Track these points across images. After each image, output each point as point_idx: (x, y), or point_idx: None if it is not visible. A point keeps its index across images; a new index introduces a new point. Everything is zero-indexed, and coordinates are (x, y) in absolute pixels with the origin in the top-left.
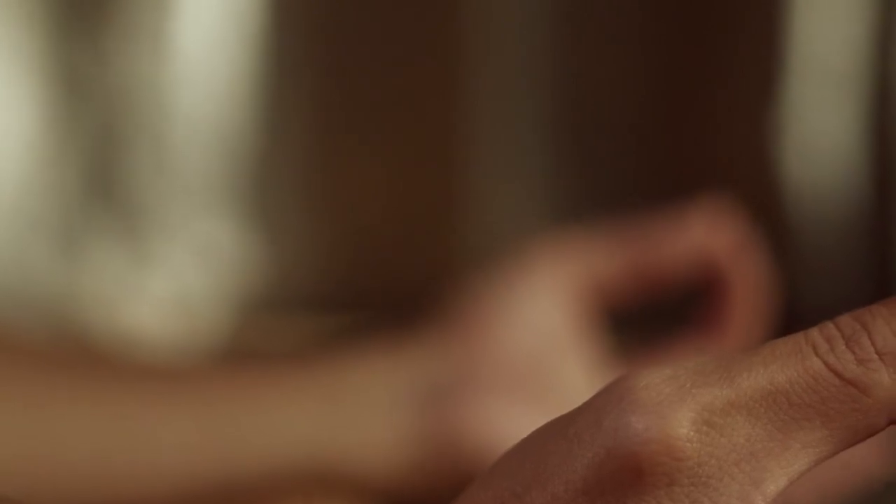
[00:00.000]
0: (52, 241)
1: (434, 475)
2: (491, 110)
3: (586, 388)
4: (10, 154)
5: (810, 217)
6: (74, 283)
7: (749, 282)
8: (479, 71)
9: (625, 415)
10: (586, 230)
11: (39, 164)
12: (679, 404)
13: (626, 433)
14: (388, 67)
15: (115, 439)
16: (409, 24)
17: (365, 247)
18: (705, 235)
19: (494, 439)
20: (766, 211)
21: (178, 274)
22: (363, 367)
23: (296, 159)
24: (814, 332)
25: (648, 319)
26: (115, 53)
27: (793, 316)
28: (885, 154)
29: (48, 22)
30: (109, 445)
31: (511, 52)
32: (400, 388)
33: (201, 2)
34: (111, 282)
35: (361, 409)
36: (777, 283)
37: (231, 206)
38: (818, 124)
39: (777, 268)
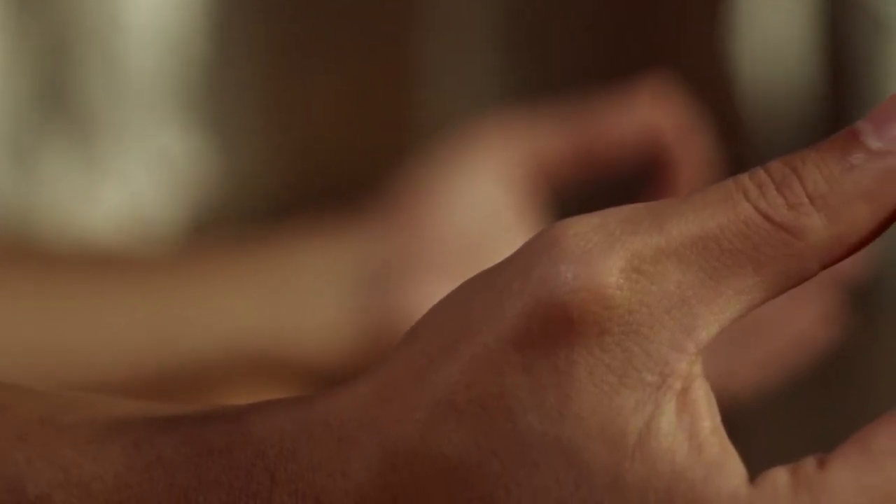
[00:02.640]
0: (4, 152)
1: (375, 356)
2: (443, 9)
3: None
4: None
5: (763, 113)
6: (27, 194)
7: (695, 159)
8: None
9: (553, 264)
10: (530, 111)
11: None
12: (608, 252)
13: (556, 282)
14: None
15: (57, 326)
16: None
17: (319, 154)
18: (651, 112)
19: None
20: (720, 105)
21: (131, 183)
22: (305, 251)
23: (249, 68)
24: (744, 178)
25: (594, 201)
26: None
27: None
28: (838, 50)
29: None
30: (51, 331)
31: None
32: (342, 271)
33: None
34: (64, 192)
35: (304, 292)
36: (722, 162)
37: (184, 115)
38: (772, 23)
39: (728, 163)
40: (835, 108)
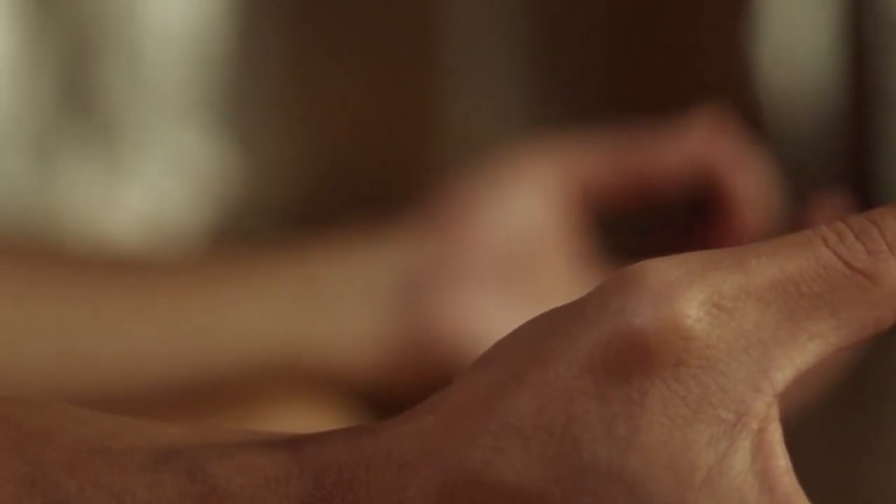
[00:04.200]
0: (27, 154)
1: (410, 367)
2: (466, 16)
3: (567, 286)
4: None
5: (787, 121)
6: (49, 195)
7: (748, 194)
8: None
9: (633, 295)
10: (580, 135)
11: (13, 78)
12: (689, 285)
13: (636, 311)
14: None
15: (83, 332)
16: None
17: (340, 156)
18: (704, 145)
19: (471, 332)
20: (743, 116)
21: (153, 185)
22: (339, 260)
23: (271, 69)
24: (823, 227)
25: (644, 229)
26: None
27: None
28: (859, 54)
29: None
30: (77, 338)
31: None
32: (377, 279)
33: None
34: (86, 192)
35: (337, 299)
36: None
37: (206, 118)
38: (794, 28)
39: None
40: (856, 112)
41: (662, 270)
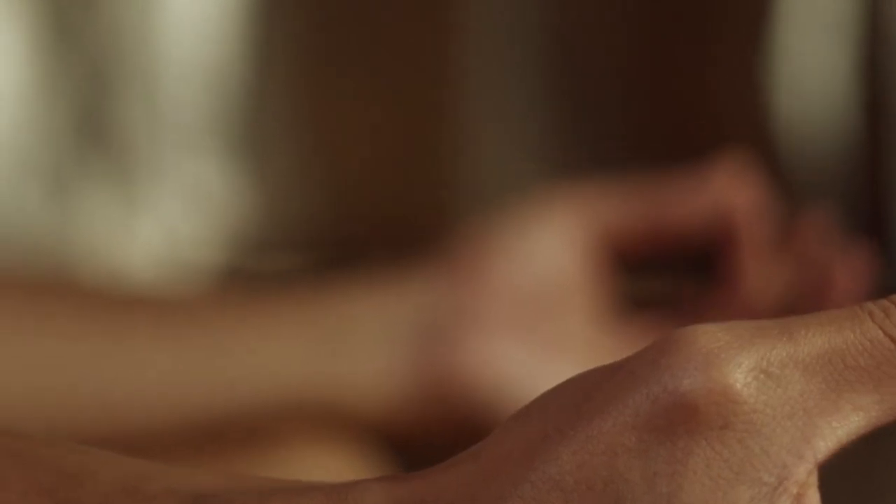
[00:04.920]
0: (43, 185)
1: (429, 410)
2: (482, 50)
3: (588, 331)
4: (0, 101)
5: (802, 151)
6: (66, 228)
7: (761, 240)
8: (467, 7)
9: (682, 356)
10: (602, 181)
11: (30, 108)
12: (738, 350)
13: (684, 372)
14: (378, 8)
15: (102, 369)
16: None
17: (354, 187)
18: (724, 193)
19: (491, 376)
20: (759, 145)
21: (169, 216)
22: (362, 300)
23: (285, 100)
24: (869, 303)
25: (658, 274)
26: None
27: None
28: (876, 93)
29: None
30: (96, 375)
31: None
32: (397, 322)
33: None
34: (102, 225)
35: (357, 341)
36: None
37: (221, 148)
38: (809, 64)
39: (769, 194)
40: (872, 147)
41: (712, 334)
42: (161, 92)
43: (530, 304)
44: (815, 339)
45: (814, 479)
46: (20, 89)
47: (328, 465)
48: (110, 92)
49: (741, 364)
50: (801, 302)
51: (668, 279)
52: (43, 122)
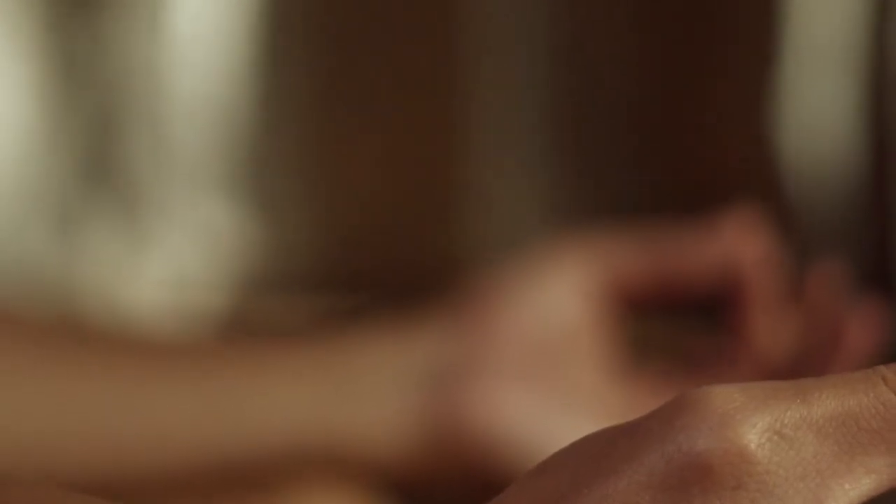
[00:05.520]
0: (51, 224)
1: (438, 458)
2: (493, 96)
3: (598, 381)
4: (8, 138)
5: (810, 198)
6: (72, 266)
7: (769, 293)
8: (477, 49)
9: (697, 416)
10: (612, 230)
11: (37, 147)
12: (752, 411)
13: (699, 432)
14: (386, 48)
15: (111, 414)
16: (408, 4)
17: (363, 227)
18: (734, 246)
19: (500, 425)
20: (766, 193)
21: (176, 255)
22: (370, 346)
23: (293, 140)
24: (882, 367)
25: (668, 320)
26: (112, 36)
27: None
28: (883, 135)
29: (45, 5)
30: (106, 421)
31: (510, 37)
32: (407, 369)
33: None
34: (109, 264)
35: (366, 388)
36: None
37: (229, 188)
38: (815, 101)
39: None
40: (878, 189)
41: (727, 395)
42: (168, 131)
43: (540, 353)
44: (829, 401)
45: None
46: (27, 127)
47: None
48: (117, 130)
49: (755, 425)
50: (811, 355)
51: (678, 325)
52: (50, 160)
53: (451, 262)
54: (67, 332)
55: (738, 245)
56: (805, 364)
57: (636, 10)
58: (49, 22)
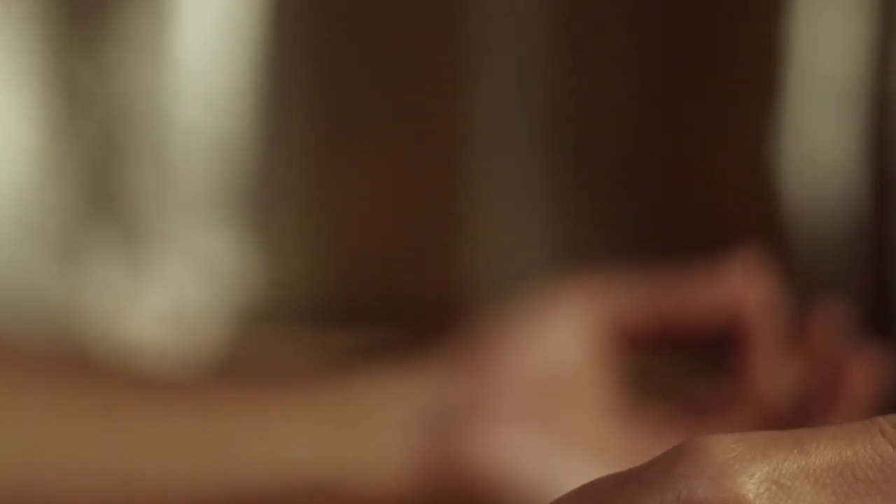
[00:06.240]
0: (52, 253)
1: (439, 498)
2: (495, 131)
3: (600, 422)
4: (9, 165)
5: (810, 231)
6: (73, 295)
7: (775, 335)
8: (477, 84)
9: (696, 465)
10: (614, 271)
11: (39, 176)
12: (750, 461)
13: (698, 481)
14: (387, 80)
15: (112, 450)
16: (409, 38)
17: (364, 260)
18: (738, 289)
19: (502, 466)
20: (767, 225)
21: (177, 285)
22: (372, 387)
23: (295, 171)
24: (880, 418)
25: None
26: (114, 64)
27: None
28: (885, 167)
29: (47, 33)
30: (106, 456)
31: (510, 64)
32: (409, 409)
33: (200, 12)
34: (110, 293)
35: (369, 427)
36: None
37: (230, 218)
38: (817, 139)
39: (780, 289)
40: (880, 222)
41: (725, 444)
42: (170, 160)
43: (542, 393)
44: (827, 451)
45: None
46: (29, 155)
47: None
48: (119, 160)
49: (754, 475)
50: (813, 398)
51: (680, 366)
52: (51, 189)
53: (452, 295)
54: (72, 367)
55: (742, 288)
56: (807, 406)
57: (637, 36)
58: (51, 51)
